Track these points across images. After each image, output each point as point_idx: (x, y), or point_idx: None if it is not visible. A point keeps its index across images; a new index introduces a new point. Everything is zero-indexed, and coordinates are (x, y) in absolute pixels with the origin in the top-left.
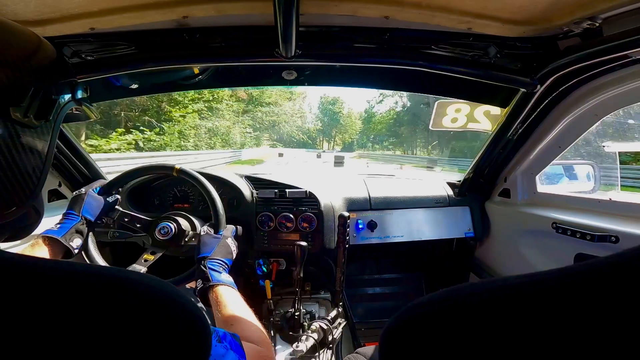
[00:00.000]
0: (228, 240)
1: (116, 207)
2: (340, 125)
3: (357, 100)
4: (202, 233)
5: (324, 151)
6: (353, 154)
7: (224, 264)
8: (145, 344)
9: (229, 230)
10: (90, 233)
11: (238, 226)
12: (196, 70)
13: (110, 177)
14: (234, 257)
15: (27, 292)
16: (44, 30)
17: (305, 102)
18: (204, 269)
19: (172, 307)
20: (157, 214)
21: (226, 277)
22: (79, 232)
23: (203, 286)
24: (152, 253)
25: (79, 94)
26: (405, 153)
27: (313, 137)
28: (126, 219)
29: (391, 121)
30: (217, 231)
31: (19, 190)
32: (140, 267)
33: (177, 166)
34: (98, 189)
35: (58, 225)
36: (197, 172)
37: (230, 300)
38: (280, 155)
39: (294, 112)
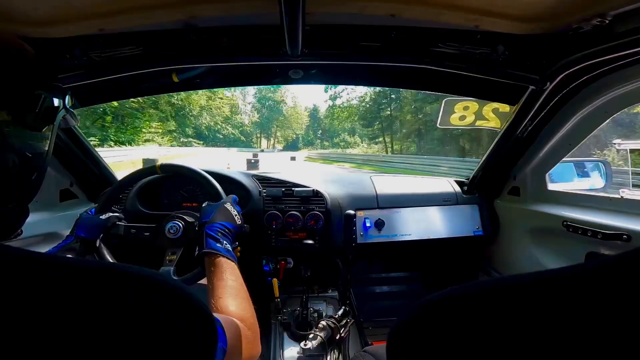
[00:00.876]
0: (227, 205)
1: (118, 223)
2: (283, 119)
3: (304, 88)
4: (203, 205)
5: (262, 150)
6: (303, 154)
7: (224, 229)
8: (155, 341)
9: (229, 197)
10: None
11: (245, 225)
12: (175, 79)
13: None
14: (238, 222)
15: (39, 288)
16: (54, 31)
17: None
18: (202, 235)
19: (182, 305)
20: (167, 213)
21: (223, 245)
22: (72, 249)
23: (198, 254)
24: (173, 253)
25: (67, 101)
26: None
27: (248, 132)
28: (133, 231)
29: (367, 105)
30: (216, 201)
31: (24, 188)
32: (168, 268)
33: (158, 163)
34: (92, 210)
35: (54, 247)
36: (205, 171)
37: (223, 273)
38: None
39: (218, 97)
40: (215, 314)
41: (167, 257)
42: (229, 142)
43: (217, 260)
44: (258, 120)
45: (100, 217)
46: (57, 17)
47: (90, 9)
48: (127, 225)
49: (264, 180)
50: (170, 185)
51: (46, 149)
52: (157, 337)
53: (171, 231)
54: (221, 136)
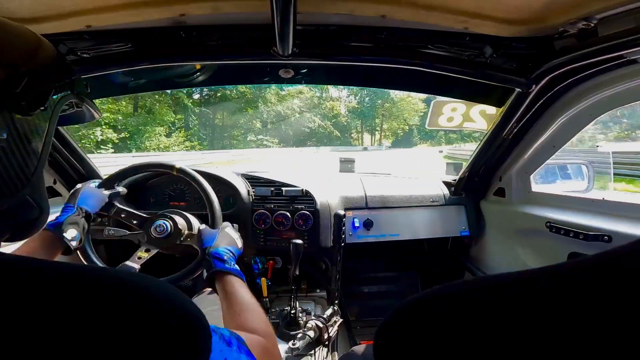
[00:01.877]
0: (227, 230)
1: (114, 202)
2: (390, 105)
3: None
4: (200, 228)
5: (366, 148)
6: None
7: (229, 252)
8: (142, 345)
9: (226, 224)
10: (86, 231)
11: (234, 224)
12: (198, 66)
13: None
14: (240, 246)
15: (24, 294)
16: (40, 28)
17: None
18: (208, 258)
19: (170, 307)
20: (153, 212)
21: (232, 265)
22: (74, 223)
23: (208, 275)
24: (147, 250)
25: (80, 87)
26: None
27: (344, 125)
28: (123, 215)
29: None
30: (213, 227)
31: (9, 179)
32: (133, 265)
33: (177, 165)
34: (97, 182)
35: (54, 218)
36: (195, 171)
37: (236, 290)
38: None
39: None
40: (238, 332)
41: (139, 253)
42: (320, 138)
43: (229, 278)
44: (357, 107)
45: (104, 191)
46: (43, 14)
47: (77, 6)
48: (120, 207)
49: (252, 180)
50: (158, 184)
51: (43, 135)
52: (155, 336)
53: (158, 229)
54: (307, 130)
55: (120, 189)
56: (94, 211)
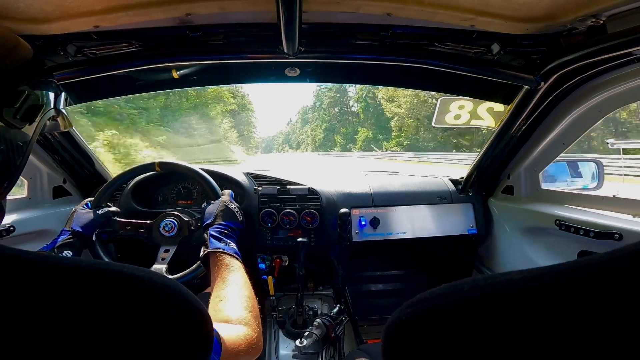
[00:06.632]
0: (227, 203)
1: (113, 218)
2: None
3: None
4: (204, 206)
5: None
6: None
7: (228, 228)
8: (150, 340)
9: (226, 194)
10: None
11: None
12: (175, 75)
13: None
14: (240, 218)
15: (32, 288)
16: (49, 28)
17: None
18: (205, 236)
19: (177, 304)
20: (161, 210)
21: (227, 244)
22: (69, 245)
23: (202, 255)
24: (166, 251)
25: (60, 103)
26: None
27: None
28: (128, 227)
29: None
30: (215, 199)
31: None
32: (160, 266)
33: (157, 161)
34: (88, 204)
35: (50, 242)
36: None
37: (226, 272)
38: None
39: None
40: (214, 323)
41: (160, 255)
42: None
43: (222, 259)
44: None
45: (97, 211)
46: (52, 14)
47: (84, 7)
48: (123, 220)
49: (259, 178)
50: (165, 182)
51: (26, 146)
52: (162, 332)
53: (166, 228)
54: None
55: (114, 208)
56: (90, 232)
